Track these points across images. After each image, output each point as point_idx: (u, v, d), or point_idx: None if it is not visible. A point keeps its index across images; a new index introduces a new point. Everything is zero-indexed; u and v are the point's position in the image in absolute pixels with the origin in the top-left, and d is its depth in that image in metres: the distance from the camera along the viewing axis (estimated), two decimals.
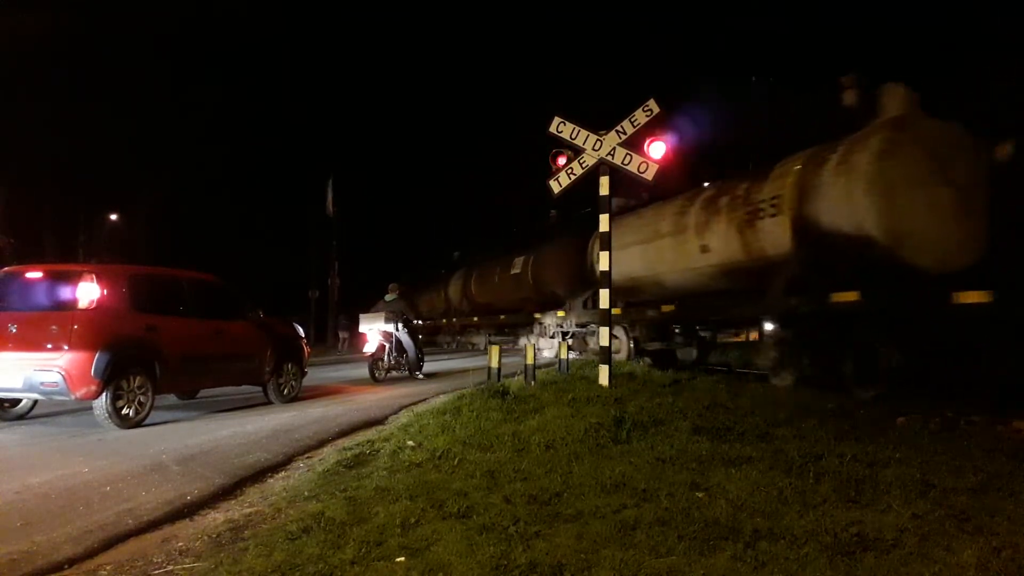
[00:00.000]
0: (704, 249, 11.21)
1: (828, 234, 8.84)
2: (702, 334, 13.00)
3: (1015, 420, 6.10)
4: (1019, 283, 7.30)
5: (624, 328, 14.11)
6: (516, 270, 20.53)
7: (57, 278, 7.42)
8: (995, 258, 7.96)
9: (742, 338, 12.08)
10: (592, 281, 14.37)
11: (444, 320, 28.44)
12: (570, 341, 15.67)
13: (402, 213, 44.49)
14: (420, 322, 30.17)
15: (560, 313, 16.51)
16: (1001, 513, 3.61)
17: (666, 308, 12.43)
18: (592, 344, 14.88)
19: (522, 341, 18.45)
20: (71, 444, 6.38)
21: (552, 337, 16.97)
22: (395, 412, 8.27)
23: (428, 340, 29.32)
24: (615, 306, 13.00)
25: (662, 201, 13.16)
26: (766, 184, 10.01)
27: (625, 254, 13.00)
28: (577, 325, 16.22)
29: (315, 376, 12.30)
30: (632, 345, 14.02)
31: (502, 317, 21.87)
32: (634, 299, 13.69)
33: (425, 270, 32.32)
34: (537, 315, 18.22)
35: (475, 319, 24.90)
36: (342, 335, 29.26)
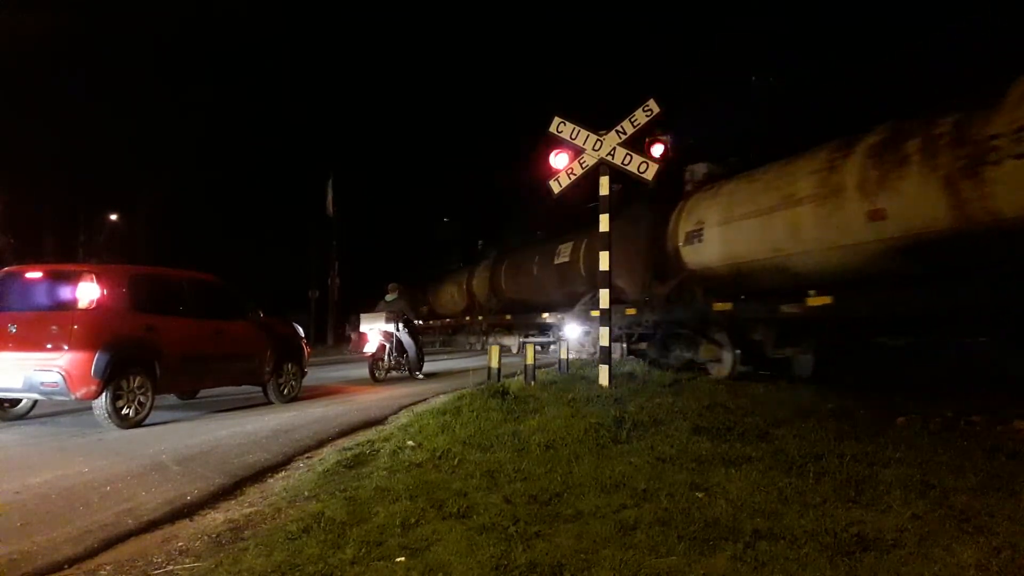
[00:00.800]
0: (876, 216, 7.98)
1: None
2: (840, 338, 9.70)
3: (1015, 420, 6.09)
4: None
5: (727, 331, 10.80)
6: (563, 259, 17.01)
7: (57, 278, 7.42)
8: None
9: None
10: (679, 268, 11.58)
11: (467, 318, 25.22)
12: (643, 345, 12.89)
13: (402, 213, 44.45)
14: (439, 321, 28.21)
15: (630, 310, 12.88)
16: (1001, 513, 3.61)
17: (815, 301, 8.78)
18: (677, 350, 11.92)
19: (575, 346, 15.45)
20: (71, 444, 6.38)
21: (617, 340, 13.44)
22: (395, 412, 8.27)
23: (447, 340, 27.70)
24: (717, 301, 10.55)
25: (790, 157, 9.81)
26: (1000, 112, 6.85)
27: (727, 232, 10.35)
28: (655, 324, 12.54)
29: (315, 376, 12.30)
30: (738, 352, 10.62)
31: (545, 315, 18.32)
32: (742, 291, 10.47)
33: (426, 269, 31.15)
34: (595, 312, 15.04)
35: (507, 317, 21.33)
36: (353, 336, 28.82)
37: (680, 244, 11.42)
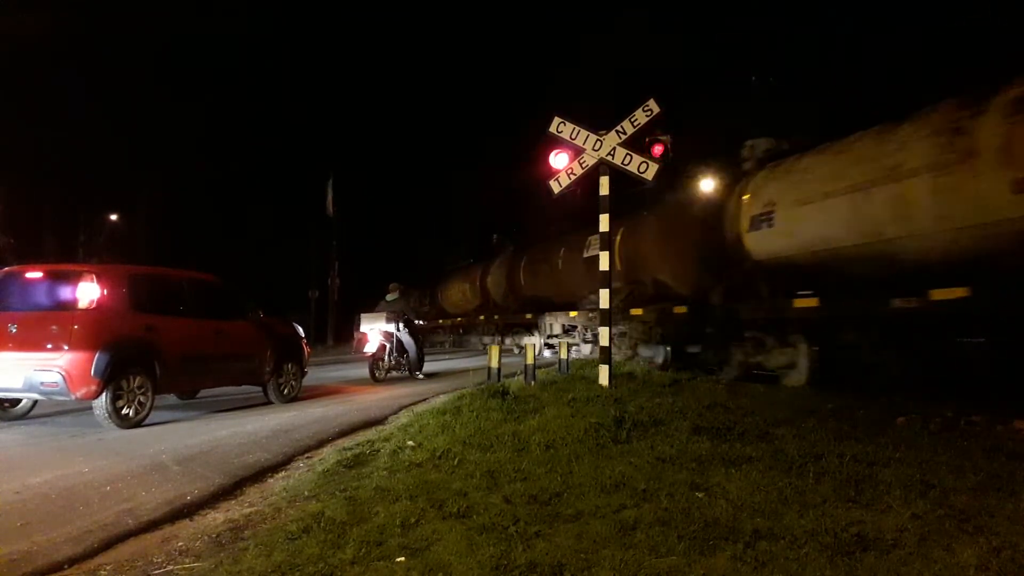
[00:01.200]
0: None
1: None
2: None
3: (1015, 420, 6.09)
4: None
5: (806, 332, 9.17)
6: (593, 251, 14.94)
7: (57, 278, 7.43)
8: None
9: None
10: (741, 258, 9.98)
11: (481, 317, 23.74)
12: (695, 349, 11.38)
13: (402, 213, 44.47)
14: (449, 320, 27.07)
15: (679, 309, 11.39)
16: (1001, 513, 3.61)
17: (943, 294, 7.16)
18: (740, 355, 10.21)
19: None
20: (71, 444, 6.39)
21: (659, 343, 12.28)
22: (395, 412, 8.28)
23: (458, 340, 26.74)
24: (798, 297, 9.02)
25: (888, 123, 8.11)
26: None
27: (807, 214, 8.81)
28: (712, 325, 10.94)
29: (315, 376, 12.31)
30: (816, 358, 9.08)
31: (572, 314, 16.70)
32: (824, 283, 8.80)
33: (430, 266, 30.34)
34: (635, 311, 12.74)
35: (527, 316, 19.73)
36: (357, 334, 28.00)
37: (743, 230, 9.78)
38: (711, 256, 10.87)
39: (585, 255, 15.75)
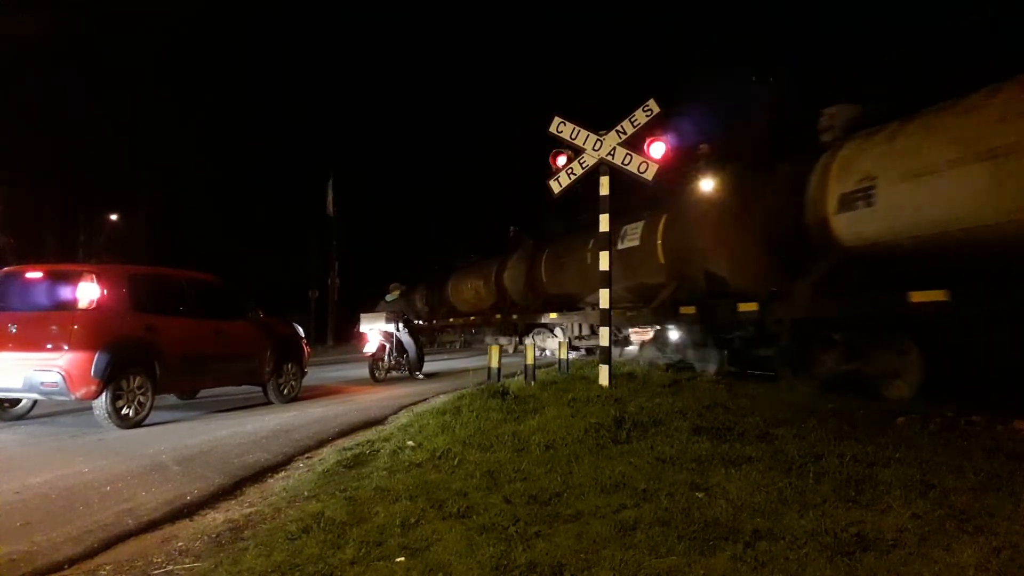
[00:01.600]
0: None
1: None
2: None
3: (1015, 420, 6.08)
4: None
5: (917, 333, 7.69)
6: (630, 242, 13.53)
7: (57, 278, 7.44)
8: None
9: None
10: (827, 246, 8.48)
11: (497, 316, 22.12)
12: (766, 352, 9.87)
13: (402, 213, 44.51)
14: (461, 319, 25.58)
15: (747, 306, 9.63)
16: (1001, 513, 3.60)
17: None
18: (828, 361, 8.75)
19: (649, 352, 12.88)
20: (71, 444, 6.39)
21: (715, 346, 10.95)
22: (395, 412, 8.28)
23: (470, 340, 25.70)
24: (909, 289, 7.27)
25: None
26: None
27: (922, 189, 7.22)
28: (791, 325, 9.06)
29: (315, 376, 12.31)
30: (931, 364, 7.58)
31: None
32: (939, 273, 7.13)
33: (436, 262, 29.24)
34: (686, 309, 11.09)
35: (551, 315, 17.95)
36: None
37: (830, 213, 8.26)
38: (782, 245, 9.19)
39: (620, 247, 13.47)
